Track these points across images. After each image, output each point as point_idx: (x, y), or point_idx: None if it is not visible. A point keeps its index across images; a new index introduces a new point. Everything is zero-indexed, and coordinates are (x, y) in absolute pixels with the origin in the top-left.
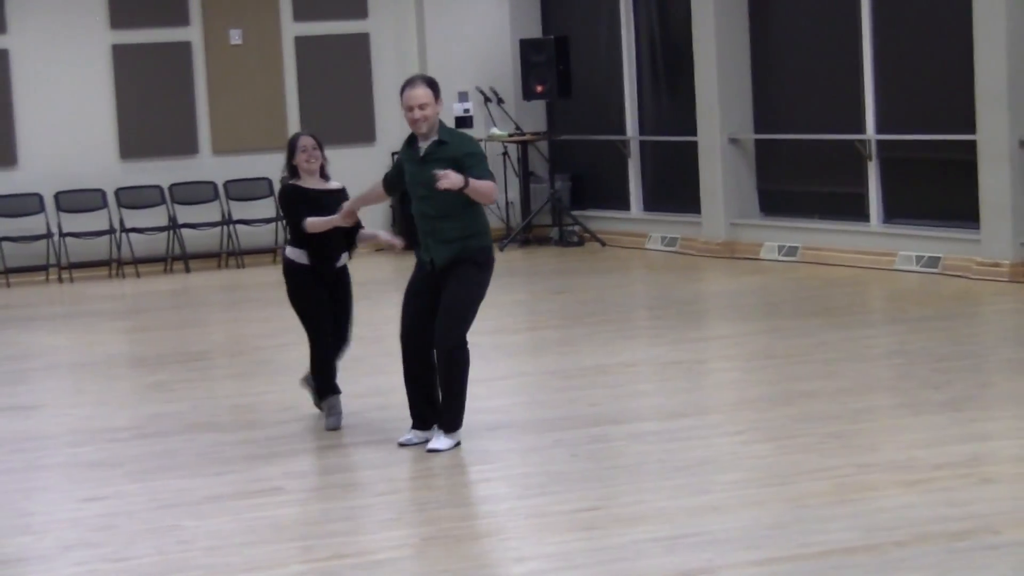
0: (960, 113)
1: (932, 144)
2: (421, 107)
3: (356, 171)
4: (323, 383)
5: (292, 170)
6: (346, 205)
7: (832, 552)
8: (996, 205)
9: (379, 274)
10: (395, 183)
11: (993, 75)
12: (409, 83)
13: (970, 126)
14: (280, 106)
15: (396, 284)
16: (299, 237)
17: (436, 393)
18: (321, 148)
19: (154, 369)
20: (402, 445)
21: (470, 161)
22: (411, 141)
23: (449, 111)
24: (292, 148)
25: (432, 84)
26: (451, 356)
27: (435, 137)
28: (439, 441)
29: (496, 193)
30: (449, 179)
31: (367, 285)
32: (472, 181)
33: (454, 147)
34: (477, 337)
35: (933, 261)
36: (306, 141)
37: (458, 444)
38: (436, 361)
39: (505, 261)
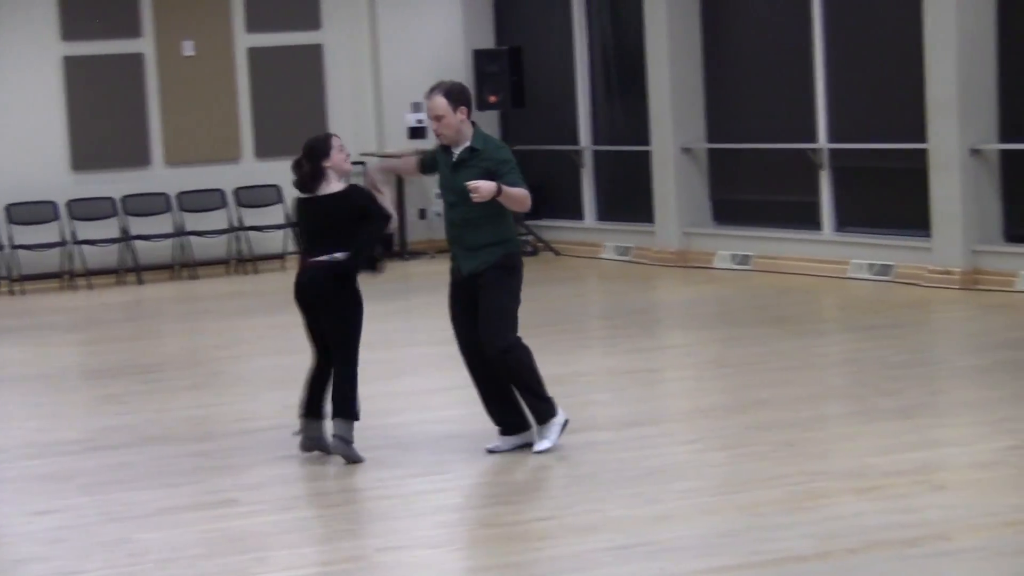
0: (911, 122)
1: (884, 153)
2: (437, 119)
3: None
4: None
5: (320, 173)
6: (378, 163)
7: (785, 560)
8: (947, 213)
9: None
10: (429, 167)
11: (943, 84)
12: (429, 91)
13: (921, 135)
14: (233, 117)
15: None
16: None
17: (512, 396)
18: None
19: (107, 382)
20: (490, 452)
21: (503, 168)
22: (445, 146)
23: (402, 121)
24: (327, 149)
25: (450, 93)
26: (505, 360)
27: (467, 143)
28: (541, 442)
29: (529, 200)
30: (480, 192)
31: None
32: (505, 188)
33: (487, 154)
34: (431, 348)
35: (885, 269)
36: (339, 140)
37: (566, 423)
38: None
39: None
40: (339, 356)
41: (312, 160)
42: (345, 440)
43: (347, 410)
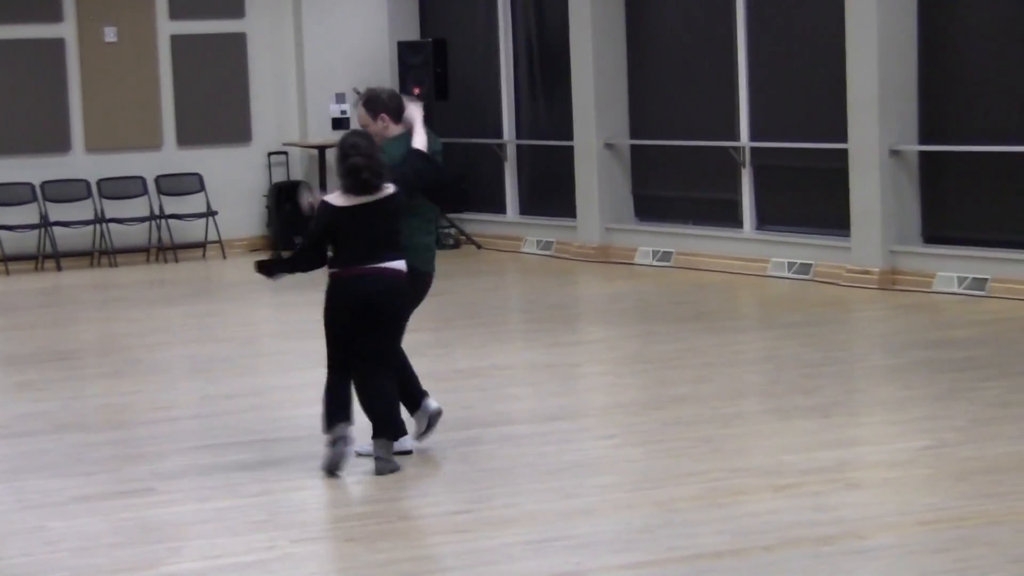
0: (832, 122)
1: (804, 152)
2: (364, 127)
3: (232, 171)
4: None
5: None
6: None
7: (701, 556)
8: (866, 213)
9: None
10: None
11: (865, 85)
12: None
13: (842, 135)
14: (155, 105)
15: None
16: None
17: None
18: None
19: (23, 368)
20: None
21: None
22: None
23: (325, 112)
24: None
25: (368, 102)
26: None
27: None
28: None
29: None
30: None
31: (239, 286)
32: None
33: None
34: None
35: (804, 268)
36: None
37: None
38: None
39: None
40: (383, 371)
41: (379, 159)
42: (387, 461)
43: (393, 431)
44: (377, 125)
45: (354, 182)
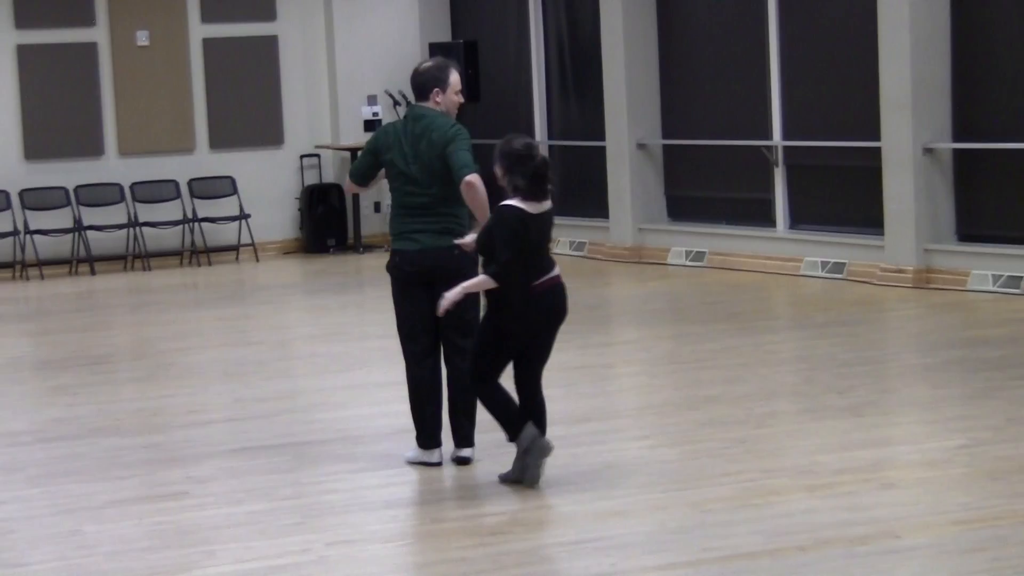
0: (865, 120)
1: (837, 151)
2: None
3: (264, 174)
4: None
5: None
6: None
7: (735, 557)
8: (900, 212)
9: (286, 278)
10: None
11: (897, 83)
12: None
13: (875, 133)
14: (187, 108)
15: (303, 288)
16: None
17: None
18: None
19: (57, 372)
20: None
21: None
22: None
23: (357, 114)
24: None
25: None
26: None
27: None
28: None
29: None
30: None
31: (271, 289)
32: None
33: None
34: (384, 341)
35: (838, 267)
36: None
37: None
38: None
39: None
40: (539, 377)
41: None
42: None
43: (544, 426)
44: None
45: (542, 187)
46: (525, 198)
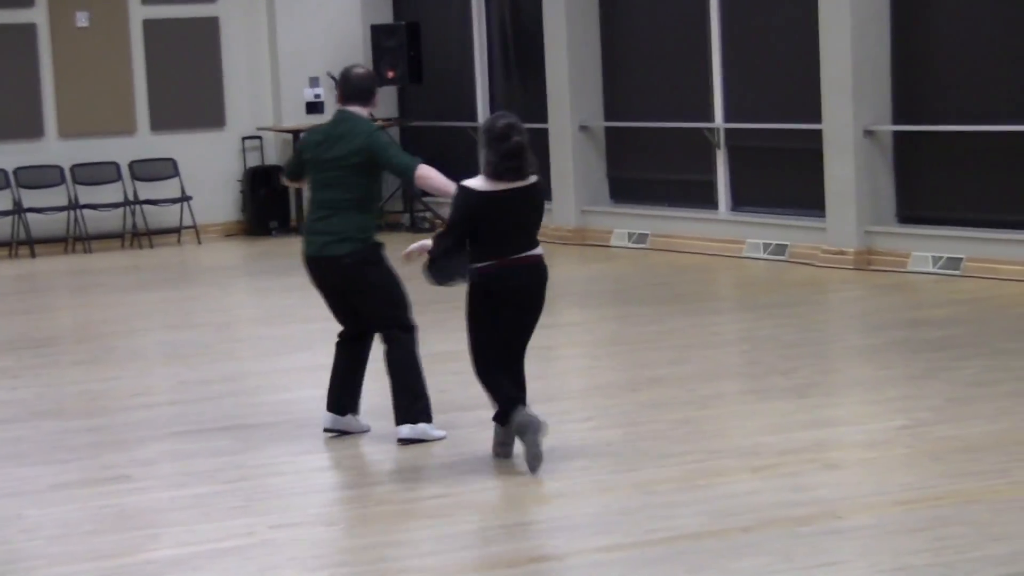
0: (806, 102)
1: (779, 133)
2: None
3: (206, 156)
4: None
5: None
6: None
7: (679, 538)
8: (841, 193)
9: (227, 261)
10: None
11: (839, 65)
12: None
13: (816, 115)
14: (128, 90)
15: (246, 270)
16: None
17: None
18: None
19: None
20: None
21: None
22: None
23: (300, 96)
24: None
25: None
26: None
27: None
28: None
29: None
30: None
31: (214, 271)
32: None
33: None
34: (320, 324)
35: (780, 249)
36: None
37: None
38: None
39: None
40: (519, 357)
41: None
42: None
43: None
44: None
45: (509, 167)
46: (489, 176)
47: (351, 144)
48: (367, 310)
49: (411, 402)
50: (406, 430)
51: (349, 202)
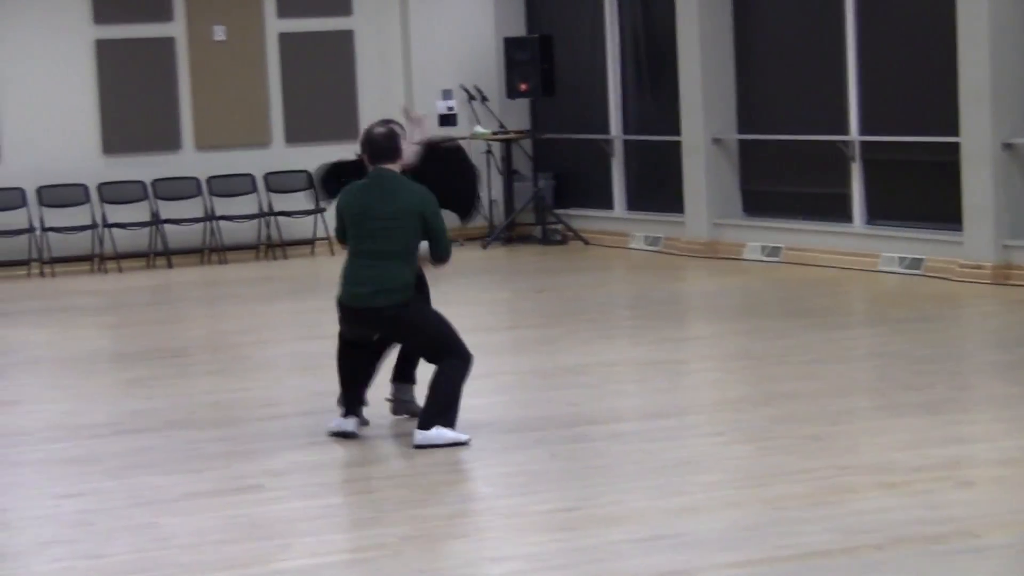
0: (943, 115)
1: (915, 146)
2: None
3: None
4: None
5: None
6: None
7: (809, 555)
8: (978, 207)
9: None
10: None
11: (976, 77)
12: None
13: (953, 128)
14: (263, 103)
15: None
16: None
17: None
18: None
19: (133, 365)
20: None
21: None
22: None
23: (433, 109)
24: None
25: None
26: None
27: None
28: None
29: None
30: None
31: None
32: None
33: None
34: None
35: (915, 263)
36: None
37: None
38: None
39: (488, 259)
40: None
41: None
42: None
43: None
44: None
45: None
46: None
47: (405, 202)
48: (419, 351)
49: (435, 412)
50: (419, 436)
51: (393, 254)
